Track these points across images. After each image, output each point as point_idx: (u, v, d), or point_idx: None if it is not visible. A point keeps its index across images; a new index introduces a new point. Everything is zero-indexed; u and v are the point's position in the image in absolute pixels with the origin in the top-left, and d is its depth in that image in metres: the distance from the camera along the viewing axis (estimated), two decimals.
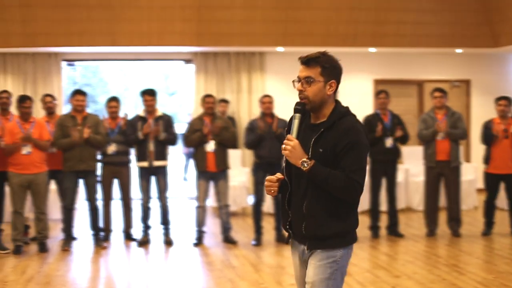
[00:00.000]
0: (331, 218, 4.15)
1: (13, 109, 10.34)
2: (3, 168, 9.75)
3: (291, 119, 4.23)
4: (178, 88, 28.57)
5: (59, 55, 13.98)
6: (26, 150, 9.53)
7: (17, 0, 12.75)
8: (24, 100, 9.76)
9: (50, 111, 10.50)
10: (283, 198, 4.34)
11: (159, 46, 13.55)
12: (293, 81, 4.22)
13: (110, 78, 24.77)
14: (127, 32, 13.18)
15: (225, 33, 13.46)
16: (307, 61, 4.20)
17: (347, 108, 4.28)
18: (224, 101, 13.02)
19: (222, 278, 8.24)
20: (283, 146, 4.11)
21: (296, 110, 4.19)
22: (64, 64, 14.22)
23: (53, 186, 10.50)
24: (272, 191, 4.29)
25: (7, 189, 10.13)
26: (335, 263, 4.24)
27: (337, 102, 4.26)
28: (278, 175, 4.32)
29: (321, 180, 4.07)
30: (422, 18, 13.87)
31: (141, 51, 14.09)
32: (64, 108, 12.59)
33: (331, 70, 4.17)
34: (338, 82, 4.22)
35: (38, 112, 12.75)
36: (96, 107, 23.59)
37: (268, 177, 4.32)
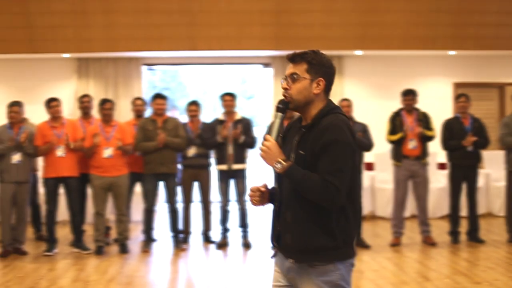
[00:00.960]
0: (318, 229, 3.74)
1: (96, 113, 10.56)
2: (85, 170, 9.97)
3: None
4: (256, 92, 28.67)
5: (139, 60, 14.19)
6: (107, 153, 9.72)
7: (100, 7, 13.00)
8: (104, 103, 9.97)
9: (139, 114, 10.66)
10: (273, 208, 4.02)
11: (237, 50, 13.62)
12: (281, 80, 3.90)
13: (189, 82, 25.02)
14: (206, 37, 13.29)
15: (303, 37, 13.44)
16: (293, 58, 3.90)
17: (334, 107, 3.90)
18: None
19: None
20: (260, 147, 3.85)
21: (277, 109, 3.90)
22: (144, 68, 14.43)
23: (138, 188, 10.67)
24: (254, 201, 3.97)
25: (89, 191, 10.36)
26: (330, 282, 3.79)
27: (328, 102, 3.91)
28: (263, 185, 3.99)
29: (296, 183, 3.72)
30: (503, 20, 13.60)
31: (220, 55, 14.18)
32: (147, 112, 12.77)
33: (319, 67, 3.85)
34: (327, 81, 3.89)
35: (120, 115, 12.98)
36: (176, 111, 23.90)
37: (251, 187, 4.01)
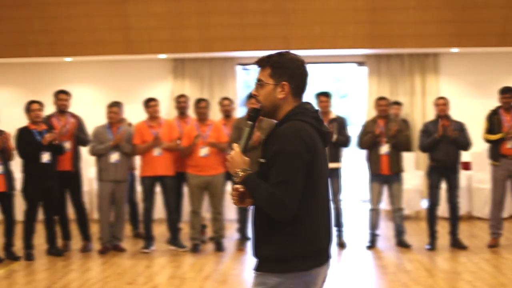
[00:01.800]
0: (267, 238, 3.66)
1: (192, 113, 10.69)
2: (182, 169, 10.10)
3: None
4: (350, 90, 28.48)
5: (234, 60, 14.30)
6: (204, 152, 9.83)
7: (195, 8, 13.16)
8: (200, 102, 10.09)
9: (227, 114, 10.73)
10: None
11: (331, 49, 13.58)
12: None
13: None
14: (300, 36, 13.30)
15: (398, 35, 13.29)
16: (258, 62, 3.81)
17: (299, 111, 3.72)
18: (397, 103, 12.86)
19: (395, 282, 8.15)
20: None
21: (248, 117, 3.83)
22: (239, 68, 14.53)
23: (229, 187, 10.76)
24: (233, 200, 3.84)
25: (185, 190, 10.50)
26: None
27: (296, 106, 3.74)
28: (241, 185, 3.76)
29: (250, 193, 3.67)
30: None
31: (314, 54, 14.15)
32: (239, 111, 12.85)
33: (282, 71, 3.71)
34: (293, 83, 3.73)
35: (215, 115, 13.11)
36: None
37: (233, 186, 3.87)
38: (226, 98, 10.96)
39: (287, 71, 3.73)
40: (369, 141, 10.00)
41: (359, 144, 10.25)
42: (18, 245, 9.89)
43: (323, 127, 3.77)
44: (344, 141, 10.16)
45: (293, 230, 3.62)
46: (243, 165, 3.73)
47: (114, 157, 9.90)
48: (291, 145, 3.56)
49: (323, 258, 3.77)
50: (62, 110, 10.20)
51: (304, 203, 3.61)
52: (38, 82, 14.37)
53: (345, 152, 10.70)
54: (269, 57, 3.78)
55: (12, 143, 9.68)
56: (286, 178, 3.53)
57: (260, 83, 3.78)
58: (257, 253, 3.73)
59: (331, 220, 3.83)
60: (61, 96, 10.23)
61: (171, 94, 13.99)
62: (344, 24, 13.22)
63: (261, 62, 3.79)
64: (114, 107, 10.04)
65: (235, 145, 3.76)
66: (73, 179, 10.23)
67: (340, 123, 10.21)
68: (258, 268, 3.72)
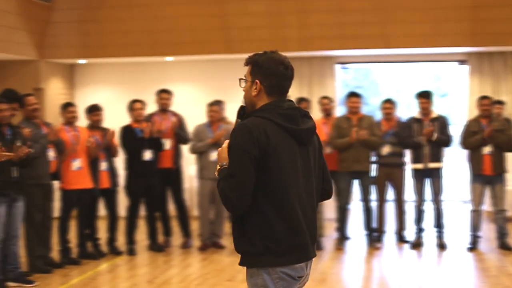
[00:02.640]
0: (241, 234, 3.72)
1: None
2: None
3: None
4: (450, 89, 28.03)
5: (333, 58, 14.25)
6: None
7: (294, 7, 13.19)
8: (300, 101, 10.12)
9: (327, 112, 10.72)
10: None
11: (432, 48, 13.38)
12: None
13: (382, 80, 24.91)
14: (400, 34, 13.14)
15: (501, 33, 12.98)
16: (245, 60, 3.86)
17: (262, 109, 3.76)
18: (500, 102, 12.55)
19: (498, 285, 7.99)
20: None
21: (237, 115, 3.88)
22: (338, 67, 14.48)
23: None
24: None
25: None
26: (256, 285, 3.75)
27: (265, 104, 3.78)
28: None
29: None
30: None
31: (413, 53, 13.98)
32: (338, 110, 12.78)
33: (257, 69, 3.78)
34: (264, 82, 3.77)
35: (314, 114, 13.10)
36: (367, 109, 23.79)
37: None
38: (325, 97, 10.94)
39: (261, 70, 3.79)
40: (476, 143, 9.80)
41: (463, 144, 10.06)
42: (121, 240, 10.14)
43: (293, 124, 3.79)
44: (446, 141, 10.00)
45: (262, 224, 3.67)
46: (224, 160, 3.75)
47: (215, 155, 10.02)
48: (238, 140, 3.65)
49: (304, 253, 3.79)
50: (164, 109, 10.39)
51: (269, 198, 3.66)
52: (140, 81, 14.66)
53: (447, 152, 10.51)
54: (253, 55, 3.87)
55: (116, 140, 9.93)
56: (232, 172, 3.64)
57: (243, 80, 3.89)
58: (236, 247, 3.82)
59: (313, 217, 3.84)
60: (163, 95, 10.43)
61: None
62: (445, 22, 13.01)
63: (247, 60, 3.86)
64: (215, 105, 10.18)
65: (226, 141, 3.76)
66: (174, 176, 10.41)
67: (442, 122, 10.06)
68: (241, 262, 3.81)
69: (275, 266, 3.69)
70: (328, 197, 4.13)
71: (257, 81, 3.79)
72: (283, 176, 3.70)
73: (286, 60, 3.88)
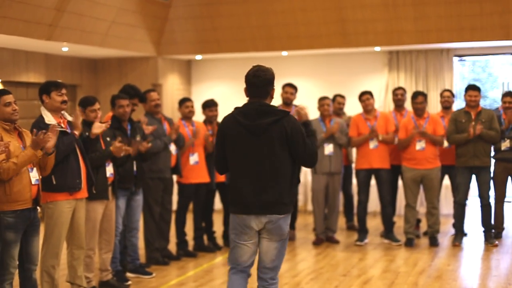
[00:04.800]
0: None
1: (408, 106, 10.60)
2: (397, 162, 10.05)
3: None
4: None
5: (450, 51, 13.99)
6: (420, 145, 9.71)
7: None
8: (416, 96, 9.96)
9: (446, 105, 10.54)
10: None
11: None
12: None
13: (501, 73, 24.24)
14: None
15: None
16: None
17: (238, 107, 5.38)
18: None
19: None
20: None
21: None
22: (455, 59, 14.20)
23: (446, 181, 10.54)
24: None
25: (400, 183, 10.44)
26: None
27: (244, 103, 5.38)
28: None
29: None
30: None
31: None
32: (456, 104, 12.53)
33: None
34: (246, 87, 5.36)
35: (431, 108, 12.92)
36: (485, 103, 23.22)
37: None
38: (447, 90, 10.77)
39: (245, 79, 5.34)
40: None
41: None
42: None
43: (247, 120, 5.25)
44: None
45: (230, 185, 5.50)
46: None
47: (329, 149, 10.01)
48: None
49: (247, 209, 5.29)
50: (287, 103, 10.42)
51: (230, 169, 5.43)
52: None
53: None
54: None
55: None
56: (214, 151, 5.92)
57: None
58: None
59: (262, 184, 5.23)
60: (288, 89, 10.45)
61: (386, 87, 13.93)
62: None
63: None
64: (326, 99, 10.17)
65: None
66: None
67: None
68: None
69: (234, 214, 5.39)
70: (307, 167, 5.60)
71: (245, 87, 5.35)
72: (232, 156, 5.35)
73: (259, 71, 5.30)
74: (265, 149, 5.22)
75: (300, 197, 12.28)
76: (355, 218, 10.75)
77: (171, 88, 14.52)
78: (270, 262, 5.40)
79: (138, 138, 7.98)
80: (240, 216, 5.30)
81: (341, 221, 11.12)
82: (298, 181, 5.58)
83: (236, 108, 5.32)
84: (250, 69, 5.29)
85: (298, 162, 5.37)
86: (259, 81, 5.25)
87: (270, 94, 5.36)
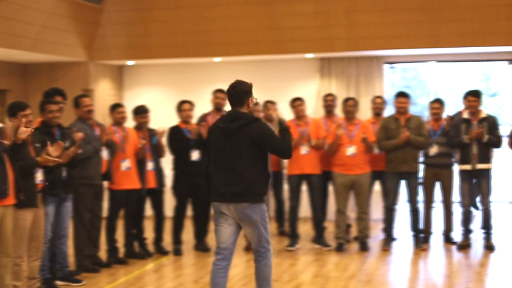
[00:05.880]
0: None
1: (339, 112, 10.70)
2: (328, 168, 10.14)
3: None
4: (500, 89, 27.63)
5: (381, 58, 14.17)
6: (350, 151, 9.82)
7: (342, 7, 13.14)
8: (347, 100, 10.10)
9: (378, 112, 10.69)
10: None
11: (481, 47, 13.23)
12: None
13: (430, 80, 24.69)
14: (448, 33, 13.01)
15: None
16: None
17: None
18: None
19: None
20: None
21: None
22: (386, 66, 14.40)
23: (376, 187, 10.68)
24: None
25: (330, 189, 10.53)
26: None
27: None
28: None
29: None
30: None
31: (462, 52, 13.84)
32: (386, 110, 12.69)
33: None
34: None
35: (362, 114, 13.07)
36: (415, 109, 23.55)
37: None
38: (379, 97, 10.95)
39: None
40: None
41: (510, 144, 9.93)
42: (167, 240, 10.22)
43: (222, 124, 6.37)
44: (495, 142, 9.87)
45: (211, 178, 6.46)
46: None
47: None
48: None
49: (220, 197, 6.34)
50: (218, 108, 10.43)
51: (210, 164, 6.47)
52: (188, 82, 14.76)
53: (496, 153, 10.38)
54: None
55: (163, 141, 10.01)
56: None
57: None
58: None
59: (235, 177, 6.25)
60: (219, 95, 10.44)
61: (318, 93, 14.03)
62: (494, 20, 12.83)
63: None
64: (257, 105, 10.20)
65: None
66: None
67: (491, 122, 9.94)
68: None
69: (212, 201, 6.47)
70: (283, 158, 6.70)
71: None
72: (212, 154, 6.44)
73: (236, 84, 6.40)
74: (235, 148, 6.26)
75: None
76: (286, 224, 10.80)
77: (103, 94, 14.38)
78: (253, 242, 6.44)
79: (67, 144, 7.87)
80: (215, 204, 6.39)
81: (272, 226, 11.16)
82: (268, 175, 6.45)
83: (221, 116, 6.55)
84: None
85: (276, 155, 6.63)
86: (235, 92, 6.34)
87: (246, 103, 6.36)
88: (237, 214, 6.31)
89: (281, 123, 6.53)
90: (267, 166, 6.48)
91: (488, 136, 9.76)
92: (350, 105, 10.01)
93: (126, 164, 9.36)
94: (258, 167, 6.33)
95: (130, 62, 14.73)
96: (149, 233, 10.20)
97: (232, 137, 6.28)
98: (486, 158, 9.88)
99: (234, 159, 6.29)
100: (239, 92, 6.35)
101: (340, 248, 9.98)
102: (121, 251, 9.67)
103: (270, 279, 6.56)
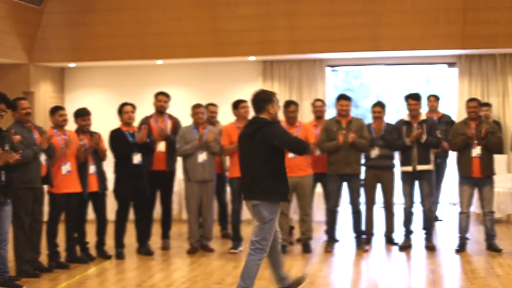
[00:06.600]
0: None
1: (281, 115, 10.72)
2: None
3: None
4: (440, 92, 28.04)
5: (323, 61, 14.28)
6: (292, 154, 9.83)
7: (284, 10, 13.22)
8: (289, 105, 10.10)
9: (319, 115, 10.74)
10: None
11: (422, 50, 13.42)
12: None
13: (372, 83, 24.89)
14: (389, 37, 13.18)
15: (491, 35, 13.04)
16: None
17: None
18: (487, 105, 12.58)
19: (486, 286, 8.01)
20: None
21: None
22: (328, 69, 14.51)
23: (318, 189, 10.74)
24: None
25: None
26: None
27: None
28: None
29: None
30: None
31: (404, 55, 14.02)
32: (328, 113, 12.79)
33: None
34: None
35: (304, 117, 13.14)
36: (358, 112, 23.76)
37: None
38: (319, 100, 10.98)
39: None
40: (461, 143, 9.83)
41: (450, 146, 10.10)
42: (110, 244, 10.12)
43: (245, 128, 7.33)
44: (434, 143, 10.02)
45: None
46: None
47: (202, 157, 10.03)
48: None
49: (244, 195, 7.18)
50: (160, 111, 10.38)
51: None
52: (130, 84, 14.69)
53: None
54: None
55: (105, 144, 9.92)
56: None
57: None
58: None
59: (253, 174, 7.00)
60: (161, 98, 10.41)
61: None
62: (434, 25, 13.05)
63: None
64: (201, 107, 10.19)
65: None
66: (167, 179, 10.42)
67: (431, 124, 10.08)
68: None
69: None
70: (298, 154, 7.64)
71: None
72: (239, 152, 7.31)
73: (257, 92, 7.26)
74: (253, 149, 6.99)
75: (175, 206, 12.22)
76: (230, 226, 10.79)
77: (44, 96, 14.21)
78: (253, 235, 7.09)
79: (6, 148, 7.74)
80: (245, 201, 7.21)
81: (216, 229, 11.14)
82: (283, 175, 7.11)
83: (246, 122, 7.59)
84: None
85: (292, 152, 7.76)
86: (256, 99, 7.12)
87: (266, 109, 7.05)
88: (252, 210, 7.05)
89: None
90: (282, 167, 7.13)
91: (427, 137, 9.90)
92: (292, 111, 10.01)
93: (67, 167, 9.24)
94: (272, 167, 7.01)
95: (71, 64, 14.59)
96: (91, 237, 10.08)
97: (251, 140, 7.01)
98: (427, 160, 10.01)
99: (251, 160, 7.04)
100: (259, 99, 7.10)
101: (283, 250, 9.93)
102: (63, 255, 9.53)
103: (253, 277, 7.07)
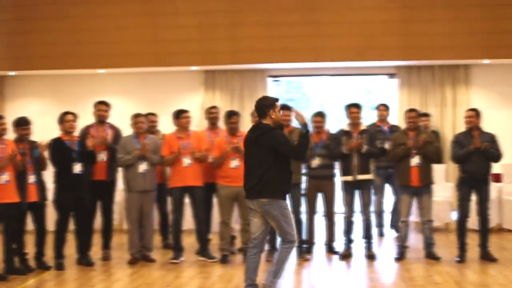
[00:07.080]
0: None
1: (222, 125, 10.74)
2: (211, 180, 10.15)
3: None
4: (381, 102, 28.34)
5: (264, 71, 14.35)
6: (234, 163, 9.87)
7: (225, 20, 13.28)
8: (231, 116, 10.12)
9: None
10: None
11: (361, 61, 13.58)
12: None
13: (313, 93, 25.08)
14: (329, 48, 13.33)
15: (429, 47, 13.29)
16: None
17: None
18: (426, 115, 12.79)
19: None
20: None
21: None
22: (269, 80, 14.57)
23: None
24: None
25: (214, 200, 10.54)
26: None
27: None
28: None
29: None
30: None
31: (344, 66, 14.18)
32: None
33: None
34: None
35: (246, 126, 13.15)
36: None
37: None
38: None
39: None
40: (401, 153, 9.97)
41: (392, 156, 10.22)
42: (49, 255, 9.98)
43: (249, 133, 7.67)
44: (375, 153, 10.14)
45: None
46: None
47: (142, 167, 9.98)
48: None
49: (248, 195, 7.61)
50: (101, 121, 10.31)
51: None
52: (70, 93, 14.55)
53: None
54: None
55: (45, 153, 9.78)
56: None
57: None
58: None
59: (254, 176, 7.46)
60: (101, 107, 10.35)
61: (202, 106, 14.05)
62: (374, 36, 13.24)
63: None
64: (141, 117, 10.15)
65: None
66: (107, 189, 10.34)
67: (371, 134, 10.20)
68: None
69: None
70: (296, 160, 7.93)
71: None
72: (244, 159, 7.72)
73: (260, 99, 7.67)
74: (257, 153, 7.46)
75: (115, 216, 12.10)
76: (170, 236, 10.74)
77: None
78: (278, 232, 7.65)
79: None
80: (247, 200, 7.63)
81: (157, 239, 11.09)
82: (287, 175, 7.56)
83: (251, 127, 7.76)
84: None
85: (291, 158, 7.54)
86: (258, 106, 7.57)
87: (268, 115, 7.50)
88: (259, 209, 7.49)
89: (303, 128, 7.53)
90: (286, 168, 7.54)
91: (367, 147, 10.02)
92: (234, 122, 10.04)
93: (5, 177, 9.10)
94: (276, 168, 7.41)
95: (11, 73, 14.38)
96: (30, 248, 9.94)
97: (255, 144, 7.48)
98: (367, 169, 10.12)
99: (256, 162, 7.48)
100: (261, 105, 7.54)
101: (224, 260, 10.00)
102: (0, 267, 9.38)
103: (284, 261, 7.67)
